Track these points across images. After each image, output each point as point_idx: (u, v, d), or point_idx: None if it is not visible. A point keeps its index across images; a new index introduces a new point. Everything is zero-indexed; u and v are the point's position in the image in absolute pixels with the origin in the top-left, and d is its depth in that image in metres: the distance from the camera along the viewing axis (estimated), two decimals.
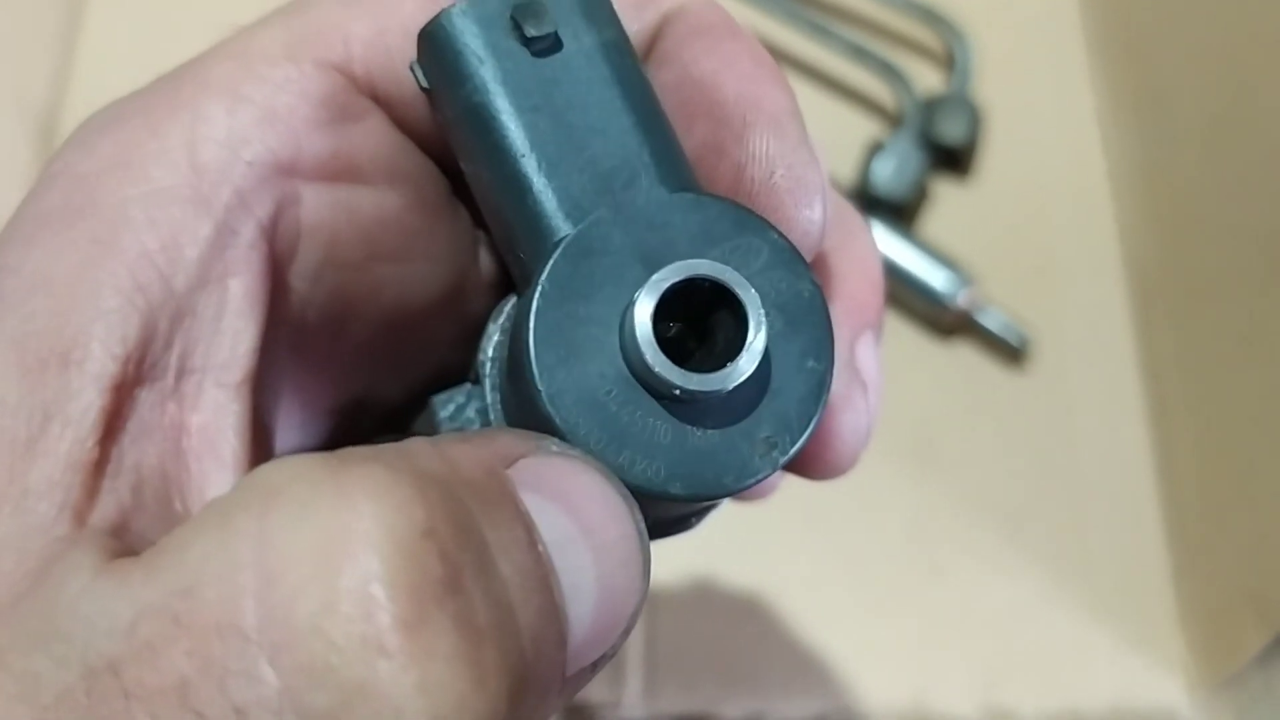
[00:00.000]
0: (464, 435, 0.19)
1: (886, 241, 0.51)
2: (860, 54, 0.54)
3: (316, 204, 0.21)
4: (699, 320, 0.19)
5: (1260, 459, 0.43)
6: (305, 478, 0.15)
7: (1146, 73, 0.54)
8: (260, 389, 0.21)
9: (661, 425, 0.18)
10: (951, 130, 0.53)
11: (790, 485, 0.48)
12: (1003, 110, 0.56)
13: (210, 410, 0.20)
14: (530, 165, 0.20)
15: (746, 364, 0.18)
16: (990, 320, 0.51)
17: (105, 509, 0.18)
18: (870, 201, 0.52)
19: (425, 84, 0.21)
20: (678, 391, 0.18)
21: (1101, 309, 0.53)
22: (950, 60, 0.56)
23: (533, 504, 0.17)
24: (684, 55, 0.21)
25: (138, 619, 0.15)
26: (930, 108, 0.54)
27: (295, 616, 0.14)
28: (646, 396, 0.18)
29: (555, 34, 0.20)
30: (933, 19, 0.56)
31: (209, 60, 0.21)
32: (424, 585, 0.15)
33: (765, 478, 0.19)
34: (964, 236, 0.53)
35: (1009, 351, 0.51)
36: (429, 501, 0.15)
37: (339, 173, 0.21)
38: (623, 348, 0.18)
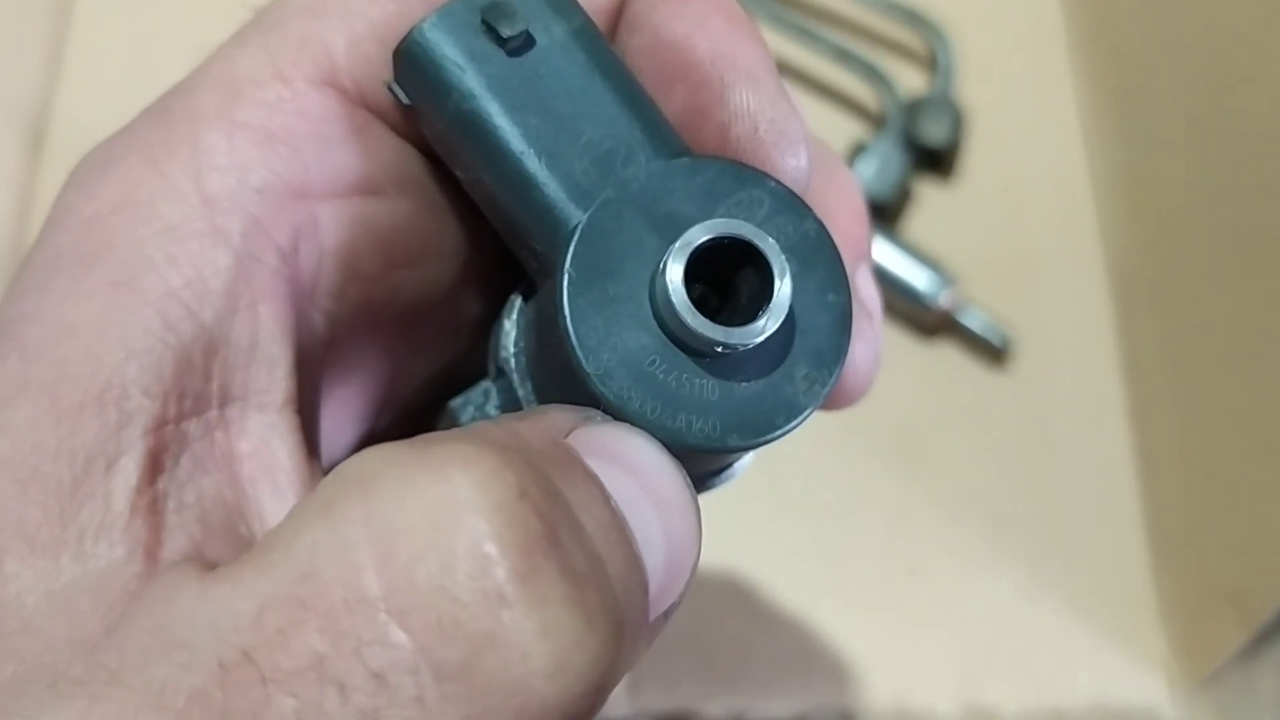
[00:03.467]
0: (518, 415, 0.19)
1: None
2: (843, 56, 0.55)
3: (334, 223, 0.21)
4: (717, 278, 0.20)
5: (1240, 458, 0.44)
6: (396, 461, 0.16)
7: (1128, 74, 0.54)
8: (300, 408, 0.21)
9: (707, 383, 0.19)
10: (934, 131, 0.54)
11: (775, 483, 0.48)
12: (985, 111, 0.56)
13: (257, 436, 0.20)
14: (531, 161, 0.20)
15: (778, 312, 0.19)
16: (972, 320, 0.51)
17: (176, 543, 0.18)
18: None
19: (407, 101, 0.21)
20: (719, 348, 0.19)
21: (1083, 309, 0.53)
22: (933, 62, 0.56)
23: (596, 467, 0.18)
24: (654, 19, 0.22)
25: (262, 610, 0.16)
26: (913, 109, 0.54)
27: (417, 582, 0.15)
28: (688, 359, 0.19)
29: (527, 31, 0.20)
30: (915, 21, 0.56)
31: (195, 88, 0.21)
32: (529, 539, 0.16)
33: (813, 411, 0.20)
34: (946, 237, 0.53)
35: (991, 351, 0.51)
36: (515, 467, 0.16)
37: (352, 188, 0.21)
38: (657, 316, 0.19)
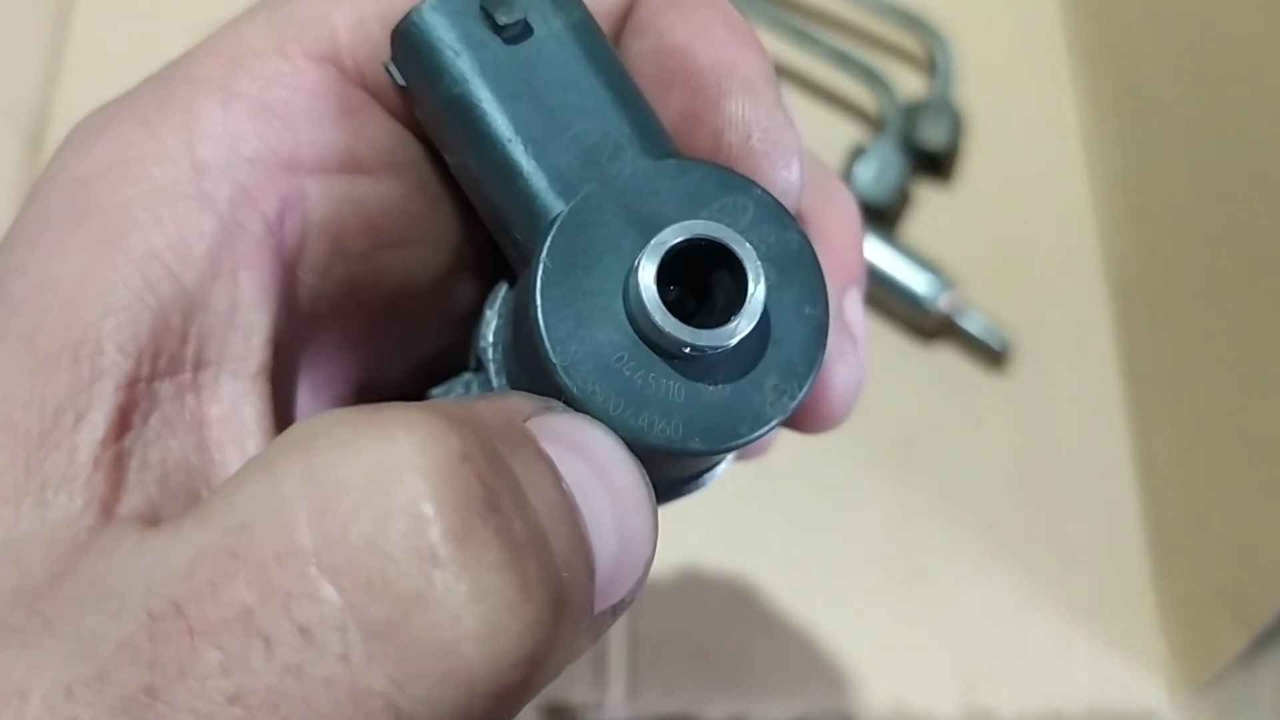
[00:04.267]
0: (478, 396, 0.19)
1: (868, 246, 0.51)
2: (842, 59, 0.55)
3: (322, 198, 0.21)
4: (695, 281, 0.20)
5: (1239, 461, 0.44)
6: (343, 422, 0.16)
7: (1127, 77, 0.54)
8: (276, 380, 0.21)
9: (674, 385, 0.19)
10: (933, 135, 0.54)
11: (775, 487, 0.48)
12: (984, 115, 0.56)
13: (229, 402, 0.20)
14: (517, 149, 0.20)
15: (750, 316, 0.19)
16: (971, 323, 0.51)
17: (133, 501, 0.18)
18: None
19: (402, 82, 0.21)
20: (687, 349, 0.19)
21: (1082, 312, 0.53)
22: (932, 65, 0.56)
23: (551, 450, 0.18)
24: (659, 24, 0.22)
25: (195, 561, 0.16)
26: (912, 112, 0.54)
27: (350, 538, 0.15)
28: (656, 359, 0.19)
29: (525, 20, 0.20)
30: (915, 24, 0.56)
31: (197, 58, 0.21)
32: (467, 502, 0.16)
33: (779, 423, 0.20)
34: (945, 240, 0.53)
35: (990, 354, 0.51)
36: (461, 433, 0.16)
37: (342, 165, 0.22)
38: (629, 313, 0.19)
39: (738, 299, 0.19)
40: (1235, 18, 0.45)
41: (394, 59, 0.21)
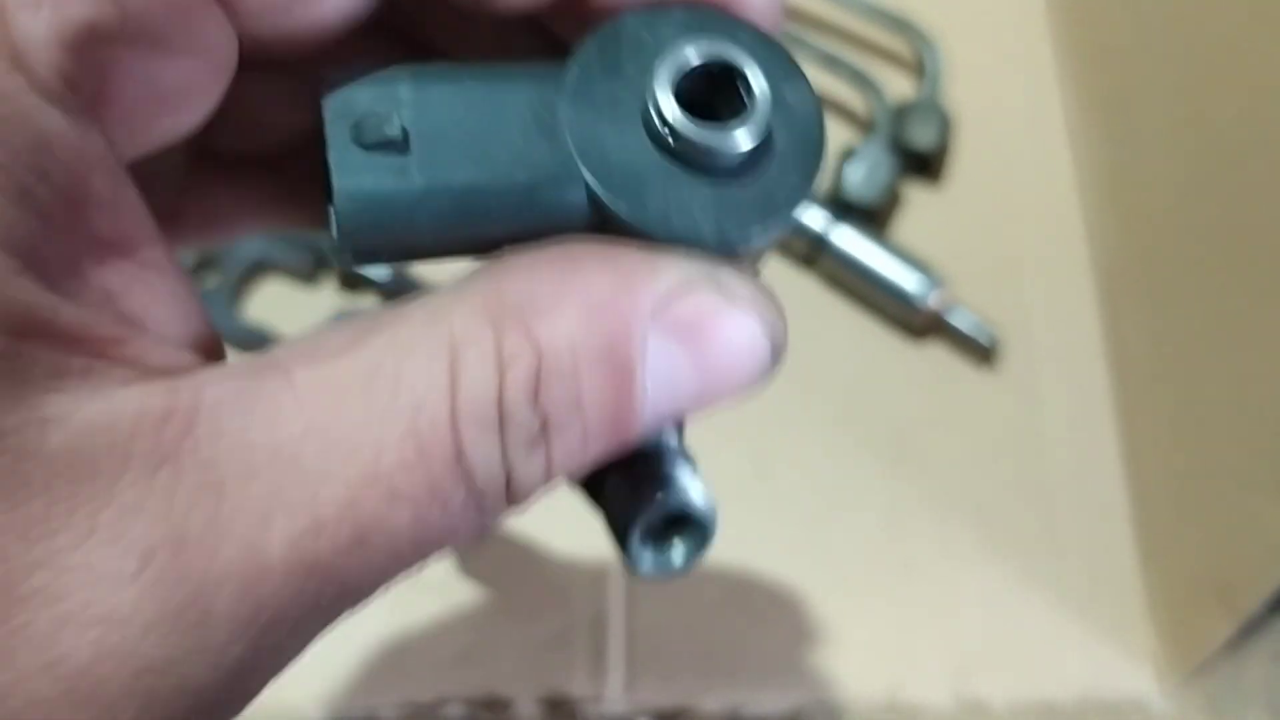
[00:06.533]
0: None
1: (858, 245, 0.52)
2: (832, 62, 0.56)
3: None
4: (703, 109, 0.21)
5: (1225, 452, 0.44)
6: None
7: (1113, 78, 0.55)
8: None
9: (692, 186, 0.21)
10: (922, 136, 0.54)
11: (769, 481, 0.49)
12: (972, 116, 0.57)
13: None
14: (500, 197, 0.21)
15: (758, 115, 0.21)
16: (961, 320, 0.52)
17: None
18: (842, 206, 0.53)
19: (364, 262, 0.21)
20: (705, 153, 0.21)
21: (1070, 308, 0.54)
22: (920, 67, 0.57)
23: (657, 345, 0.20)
24: None
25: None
26: (901, 114, 0.55)
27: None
28: (676, 166, 0.21)
29: (401, 126, 0.20)
30: (903, 27, 0.57)
31: None
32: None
33: (795, 209, 0.21)
34: (934, 239, 0.54)
35: (979, 351, 0.52)
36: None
37: None
38: (646, 125, 0.21)
39: (746, 107, 0.21)
40: (1219, 18, 0.46)
41: (353, 253, 0.21)
